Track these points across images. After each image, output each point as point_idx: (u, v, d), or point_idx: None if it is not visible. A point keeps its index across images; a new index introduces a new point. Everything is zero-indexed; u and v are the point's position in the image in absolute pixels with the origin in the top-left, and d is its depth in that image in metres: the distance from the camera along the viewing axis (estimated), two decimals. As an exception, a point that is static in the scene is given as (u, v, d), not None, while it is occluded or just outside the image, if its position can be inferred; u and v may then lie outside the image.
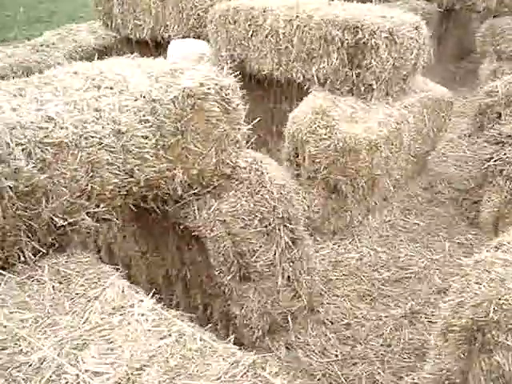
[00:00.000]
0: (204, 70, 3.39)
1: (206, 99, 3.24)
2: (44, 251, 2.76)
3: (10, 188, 2.53)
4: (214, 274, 3.58)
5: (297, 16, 5.02)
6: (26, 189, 2.58)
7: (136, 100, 3.03)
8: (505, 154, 5.13)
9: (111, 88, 3.06)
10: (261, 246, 3.63)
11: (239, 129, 3.50)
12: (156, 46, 6.69)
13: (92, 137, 2.81)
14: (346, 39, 4.74)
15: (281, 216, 3.68)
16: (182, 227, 3.48)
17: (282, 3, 5.27)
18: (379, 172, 4.79)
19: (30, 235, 2.69)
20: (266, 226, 3.62)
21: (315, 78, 5.02)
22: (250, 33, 5.36)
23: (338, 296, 4.41)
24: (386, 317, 4.18)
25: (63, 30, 6.64)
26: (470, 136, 6.90)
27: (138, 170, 3.01)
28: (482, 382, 2.70)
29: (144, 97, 3.05)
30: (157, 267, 3.95)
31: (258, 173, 3.69)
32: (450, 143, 6.83)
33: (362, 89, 4.85)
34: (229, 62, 5.58)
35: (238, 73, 3.48)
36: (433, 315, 4.11)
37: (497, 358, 2.61)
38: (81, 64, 3.39)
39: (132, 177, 3.01)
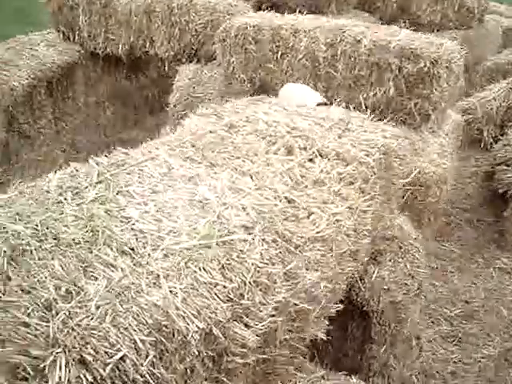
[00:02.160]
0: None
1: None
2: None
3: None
4: (370, 347, 3.18)
5: (341, 40, 4.65)
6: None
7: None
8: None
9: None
10: (415, 310, 3.28)
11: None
12: (132, 65, 5.88)
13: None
14: (406, 67, 4.48)
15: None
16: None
17: (314, 23, 4.86)
18: (443, 205, 4.62)
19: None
20: (419, 288, 3.28)
21: (363, 106, 4.69)
22: (279, 55, 4.88)
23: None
24: (483, 358, 4.06)
25: (15, 43, 5.53)
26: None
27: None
28: None
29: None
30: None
31: (399, 227, 3.34)
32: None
33: (418, 119, 4.63)
34: (248, 85, 5.04)
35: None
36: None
37: None
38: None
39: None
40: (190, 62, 5.67)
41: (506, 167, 5.51)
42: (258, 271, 1.76)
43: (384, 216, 2.88)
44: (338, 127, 2.80)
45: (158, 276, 1.64)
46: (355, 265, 2.46)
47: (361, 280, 3.02)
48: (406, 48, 4.52)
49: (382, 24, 8.30)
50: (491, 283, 4.83)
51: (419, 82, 4.51)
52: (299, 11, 5.48)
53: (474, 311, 4.51)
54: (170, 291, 1.60)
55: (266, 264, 1.79)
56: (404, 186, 4.27)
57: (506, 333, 4.31)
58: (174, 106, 5.69)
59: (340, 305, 2.30)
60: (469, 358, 4.02)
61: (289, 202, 2.12)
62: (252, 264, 1.76)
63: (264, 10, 5.63)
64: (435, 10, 8.35)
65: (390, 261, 3.15)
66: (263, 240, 1.86)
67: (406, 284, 3.17)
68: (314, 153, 2.51)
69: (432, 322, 4.37)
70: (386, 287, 3.08)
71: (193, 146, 2.45)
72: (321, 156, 2.52)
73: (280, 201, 2.11)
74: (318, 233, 2.05)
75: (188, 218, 1.91)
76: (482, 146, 6.58)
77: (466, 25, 8.36)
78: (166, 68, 5.84)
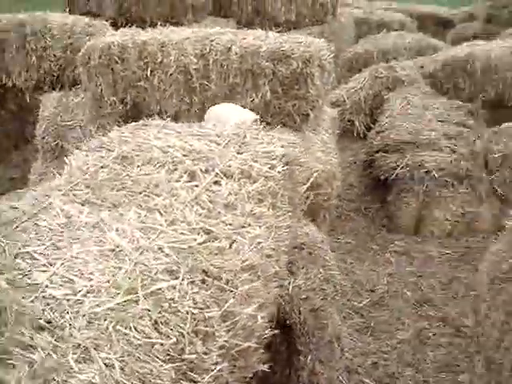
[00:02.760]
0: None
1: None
2: None
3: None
4: (297, 359, 3.11)
5: (210, 49, 4.55)
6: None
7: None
8: (408, 160, 5.46)
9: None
10: (332, 314, 3.26)
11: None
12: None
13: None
14: (279, 70, 4.47)
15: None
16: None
17: (180, 35, 4.72)
18: (334, 201, 4.67)
19: None
20: (336, 290, 3.26)
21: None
22: (148, 72, 4.69)
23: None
24: (398, 343, 4.15)
25: None
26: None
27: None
28: None
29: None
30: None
31: (305, 233, 3.30)
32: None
33: (298, 120, 4.65)
34: (120, 107, 4.81)
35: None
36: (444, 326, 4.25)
37: None
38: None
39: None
40: (53, 89, 5.33)
41: (383, 154, 5.70)
42: (195, 319, 1.61)
43: (292, 226, 2.81)
44: (234, 143, 2.70)
45: (87, 348, 1.44)
46: (280, 284, 2.36)
47: (280, 295, 2.93)
48: (276, 51, 4.51)
49: (239, 28, 8.35)
50: (390, 268, 4.97)
51: (294, 83, 4.52)
52: (160, 24, 5.32)
53: (380, 298, 4.60)
54: (105, 364, 1.40)
55: (201, 309, 1.64)
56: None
57: (415, 314, 4.44)
58: (42, 137, 5.33)
59: (273, 330, 2.20)
60: (386, 346, 4.09)
61: (207, 233, 1.98)
62: (187, 312, 1.60)
63: (120, 27, 5.42)
64: (290, 8, 8.51)
65: (303, 269, 3.10)
66: (192, 282, 1.71)
67: (322, 289, 3.13)
68: (217, 174, 2.38)
69: (344, 317, 4.39)
70: (304, 296, 3.03)
71: (87, 187, 2.23)
72: (225, 176, 2.40)
73: (198, 234, 1.96)
74: (243, 262, 1.93)
75: (103, 272, 1.72)
76: (355, 135, 6.81)
77: (320, 20, 8.60)
78: (28, 99, 5.44)
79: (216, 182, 2.35)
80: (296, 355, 3.13)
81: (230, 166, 2.44)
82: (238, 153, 2.60)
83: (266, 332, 2.04)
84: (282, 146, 2.74)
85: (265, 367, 1.99)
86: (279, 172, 2.51)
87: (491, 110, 6.66)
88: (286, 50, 4.49)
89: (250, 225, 2.13)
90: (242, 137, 2.73)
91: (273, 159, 2.60)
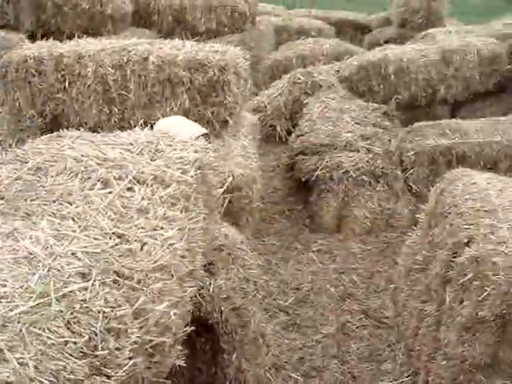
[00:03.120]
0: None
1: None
2: None
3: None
4: (222, 357, 3.22)
5: (128, 60, 4.62)
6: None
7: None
8: (327, 161, 5.67)
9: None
10: (254, 311, 3.38)
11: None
12: None
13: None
14: (196, 78, 4.59)
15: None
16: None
17: (97, 46, 4.77)
18: (256, 204, 4.82)
19: None
20: (256, 288, 3.38)
21: (163, 122, 4.72)
22: (66, 84, 4.71)
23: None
24: (323, 337, 4.31)
25: None
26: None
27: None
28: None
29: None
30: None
31: (224, 235, 3.41)
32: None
33: (218, 126, 4.78)
34: (39, 120, 4.81)
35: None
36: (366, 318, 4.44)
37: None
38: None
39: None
40: (-31, 104, 5.26)
41: (304, 156, 5.89)
42: (107, 317, 1.69)
43: (210, 228, 2.92)
44: (148, 150, 2.78)
45: (1, 350, 1.50)
46: (195, 283, 2.46)
47: (200, 295, 3.03)
48: (193, 60, 4.63)
49: (160, 38, 8.43)
50: (314, 266, 5.15)
51: (212, 91, 4.65)
52: (78, 36, 5.34)
53: (304, 295, 4.76)
54: (19, 363, 1.47)
55: (113, 307, 1.73)
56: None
57: (338, 309, 4.62)
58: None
59: (189, 327, 2.29)
60: (311, 341, 4.23)
61: (119, 237, 2.06)
62: (98, 311, 1.69)
63: (38, 40, 5.41)
64: (210, 18, 8.65)
65: (223, 269, 3.21)
66: (103, 283, 1.79)
67: (242, 288, 3.25)
68: (131, 181, 2.47)
69: (270, 316, 4.52)
70: (224, 296, 3.13)
71: (2, 199, 2.28)
72: (139, 183, 2.48)
73: (110, 238, 2.04)
74: (155, 262, 2.02)
75: (17, 278, 1.78)
76: (277, 139, 7.00)
77: (240, 28, 8.77)
78: None
79: (129, 189, 2.43)
80: (221, 353, 3.23)
81: (143, 173, 2.53)
82: (152, 160, 2.69)
83: (182, 329, 2.13)
84: (196, 152, 2.84)
85: (181, 362, 2.08)
86: (192, 176, 2.61)
87: (405, 111, 7.02)
88: (202, 59, 4.62)
89: (162, 227, 2.23)
90: (156, 144, 2.82)
91: (185, 164, 2.70)
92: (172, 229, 2.25)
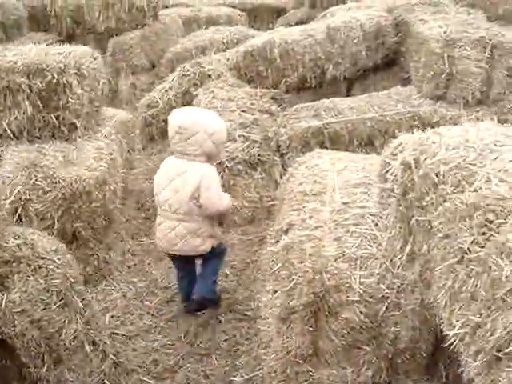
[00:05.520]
0: None
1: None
2: None
3: None
4: (28, 372, 3.13)
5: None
6: None
7: None
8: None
9: None
10: (64, 321, 3.29)
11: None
12: None
13: None
14: (35, 84, 4.47)
15: (70, 281, 3.39)
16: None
17: None
18: (113, 206, 4.71)
19: None
20: (62, 298, 3.28)
21: (9, 132, 4.61)
22: None
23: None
24: (185, 336, 4.25)
25: None
26: (143, 149, 7.21)
27: None
28: (335, 341, 3.05)
29: None
30: None
31: (30, 246, 3.31)
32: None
33: (66, 130, 4.66)
34: None
35: None
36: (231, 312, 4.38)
37: (344, 316, 2.98)
38: None
39: None
40: None
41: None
42: None
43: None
44: None
45: None
46: None
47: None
48: (31, 65, 4.50)
49: (61, 41, 8.28)
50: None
51: (53, 95, 4.53)
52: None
53: (173, 295, 4.67)
54: None
55: None
56: (59, 200, 4.33)
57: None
58: None
59: None
60: (170, 341, 4.16)
61: None
62: None
63: None
64: (108, 16, 8.50)
65: (19, 282, 3.12)
66: None
67: (42, 299, 3.15)
68: None
69: (134, 318, 4.45)
70: (19, 310, 3.04)
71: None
72: None
73: None
74: None
75: None
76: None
77: (140, 24, 8.64)
78: None
79: None
80: (26, 368, 3.15)
81: None
82: None
83: None
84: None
85: None
86: None
87: (297, 93, 6.93)
88: (40, 63, 4.49)
89: None
90: None
91: None
92: None
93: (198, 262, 4.38)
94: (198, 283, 4.25)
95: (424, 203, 2.59)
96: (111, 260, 4.95)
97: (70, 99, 4.54)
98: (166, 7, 10.28)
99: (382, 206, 3.09)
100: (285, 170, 5.55)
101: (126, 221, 5.60)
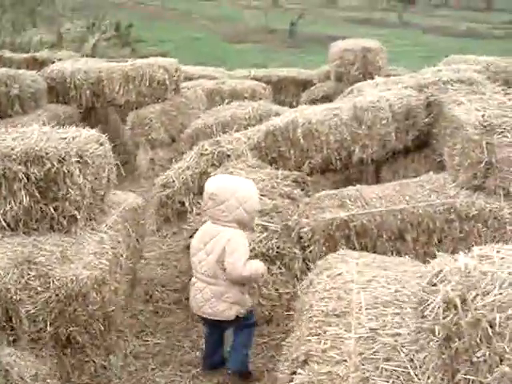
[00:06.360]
0: None
1: None
2: None
3: None
4: None
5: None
6: None
7: None
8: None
9: None
10: None
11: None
12: None
13: None
14: (33, 173, 4.11)
15: None
16: None
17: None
18: (113, 307, 4.24)
19: None
20: None
21: (3, 223, 4.23)
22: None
23: None
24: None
25: None
26: (158, 231, 6.80)
27: None
28: None
29: None
30: None
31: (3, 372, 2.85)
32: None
33: (65, 222, 4.26)
34: None
35: None
36: None
37: None
38: None
39: None
40: None
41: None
42: None
43: None
44: None
45: None
46: None
47: None
48: (30, 152, 4.16)
49: (80, 113, 8.05)
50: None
51: (51, 185, 4.18)
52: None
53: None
54: None
55: None
56: (52, 301, 3.90)
57: None
58: None
59: None
60: None
61: None
62: None
63: None
64: (128, 89, 8.30)
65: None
66: None
67: None
68: None
69: None
70: None
71: None
72: None
73: None
74: None
75: None
76: (188, 217, 6.45)
77: (161, 97, 8.40)
78: None
79: None
80: None
81: None
82: None
83: None
84: None
85: None
86: None
87: (321, 176, 6.50)
88: (39, 150, 4.15)
89: None
90: None
91: None
92: None
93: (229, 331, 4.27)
94: (232, 355, 4.25)
95: (475, 359, 2.07)
96: (110, 365, 4.44)
97: (70, 189, 4.17)
98: (190, 79, 10.08)
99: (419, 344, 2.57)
100: (306, 264, 5.07)
101: (131, 316, 5.13)
